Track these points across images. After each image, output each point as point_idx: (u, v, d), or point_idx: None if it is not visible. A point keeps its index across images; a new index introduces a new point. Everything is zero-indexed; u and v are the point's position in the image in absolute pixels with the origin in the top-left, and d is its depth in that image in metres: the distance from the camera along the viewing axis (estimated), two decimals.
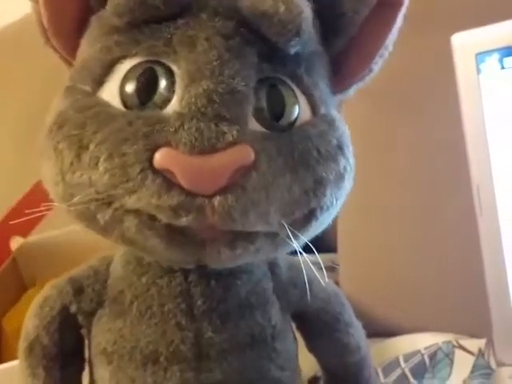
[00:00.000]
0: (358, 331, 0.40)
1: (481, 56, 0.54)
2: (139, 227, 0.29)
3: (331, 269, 0.80)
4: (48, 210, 0.32)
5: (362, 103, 0.74)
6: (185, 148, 0.27)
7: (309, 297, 0.36)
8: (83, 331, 0.37)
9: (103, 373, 0.35)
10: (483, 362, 0.59)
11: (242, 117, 0.29)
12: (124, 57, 0.31)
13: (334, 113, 0.34)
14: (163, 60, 0.30)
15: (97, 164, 0.29)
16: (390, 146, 0.72)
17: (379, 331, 0.67)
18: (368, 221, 0.75)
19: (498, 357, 0.57)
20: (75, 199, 0.29)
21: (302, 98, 0.32)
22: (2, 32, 1.16)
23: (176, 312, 0.34)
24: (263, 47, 0.30)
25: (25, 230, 0.77)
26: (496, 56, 0.53)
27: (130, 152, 0.28)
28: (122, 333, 0.34)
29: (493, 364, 0.58)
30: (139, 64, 0.30)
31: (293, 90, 0.31)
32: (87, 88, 0.31)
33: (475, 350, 0.60)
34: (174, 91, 0.29)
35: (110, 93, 0.30)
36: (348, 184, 0.33)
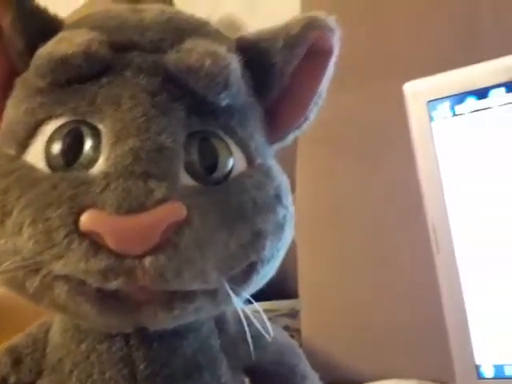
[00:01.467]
0: (314, 383, 0.39)
1: (433, 103, 0.55)
2: (69, 293, 0.28)
3: (293, 315, 0.80)
4: None
5: (319, 151, 0.75)
6: (111, 209, 0.26)
7: (253, 353, 0.34)
8: None
9: None
10: None
11: (171, 173, 0.28)
12: (49, 118, 0.30)
13: (272, 162, 0.33)
14: (89, 119, 0.29)
15: (21, 230, 0.28)
16: (349, 192, 0.72)
17: (342, 379, 0.67)
18: (329, 266, 0.75)
19: None
20: (1, 267, 0.28)
21: (236, 150, 0.31)
22: None
23: (117, 379, 0.32)
24: (192, 101, 0.30)
25: None
26: (447, 103, 0.54)
27: (55, 216, 0.27)
28: None
29: None
30: (64, 124, 0.29)
31: (226, 142, 0.31)
32: (11, 151, 0.30)
33: None
34: (100, 151, 0.29)
35: (34, 155, 0.30)
36: (289, 233, 0.32)
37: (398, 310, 0.68)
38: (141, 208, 0.27)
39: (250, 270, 0.30)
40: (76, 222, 0.27)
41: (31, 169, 0.29)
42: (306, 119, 0.35)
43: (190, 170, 0.29)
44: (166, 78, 0.30)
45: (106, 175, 0.27)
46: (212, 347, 0.34)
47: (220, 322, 0.35)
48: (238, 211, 0.29)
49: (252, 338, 0.33)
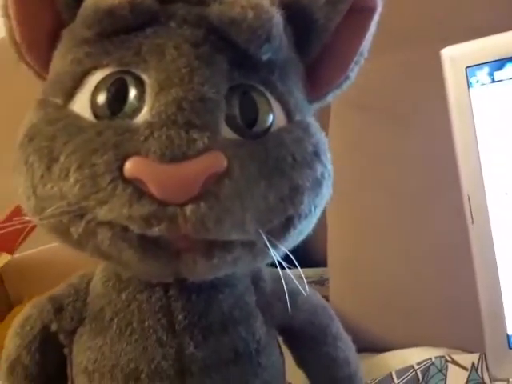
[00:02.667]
0: (346, 345, 0.40)
1: (471, 70, 0.54)
2: (113, 239, 0.29)
3: (321, 283, 0.80)
4: (26, 224, 0.32)
5: (353, 117, 0.74)
6: (155, 156, 0.27)
7: (289, 309, 0.35)
8: (65, 350, 0.36)
9: None
10: (477, 377, 0.58)
11: (212, 124, 0.29)
12: (95, 68, 0.30)
13: (310, 120, 0.33)
14: (133, 70, 0.30)
15: (67, 175, 0.28)
16: (381, 159, 0.71)
17: (370, 347, 0.67)
18: (358, 234, 0.75)
19: (491, 372, 0.56)
20: (47, 212, 0.29)
21: (276, 105, 0.32)
22: None
23: (156, 328, 0.33)
24: (234, 54, 0.30)
25: (11, 246, 0.76)
26: (486, 69, 0.53)
27: (100, 162, 0.28)
28: (103, 350, 0.34)
29: (486, 379, 0.57)
30: (110, 75, 0.30)
31: (266, 97, 0.31)
32: (58, 101, 0.31)
33: (468, 365, 0.60)
34: (144, 101, 0.29)
35: (80, 105, 0.30)
36: (326, 191, 0.33)
37: (428, 278, 0.67)
38: (183, 157, 0.27)
39: (288, 223, 0.31)
40: (120, 168, 0.28)
41: (77, 117, 0.30)
42: (346, 78, 0.35)
43: (230, 122, 0.30)
44: (209, 29, 0.30)
45: (149, 124, 0.28)
46: (247, 303, 0.35)
47: (256, 280, 0.36)
48: (277, 165, 0.30)
49: (288, 296, 0.34)
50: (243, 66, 0.31)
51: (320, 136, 0.33)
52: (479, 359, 0.59)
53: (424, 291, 0.67)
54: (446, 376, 0.60)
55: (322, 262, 0.79)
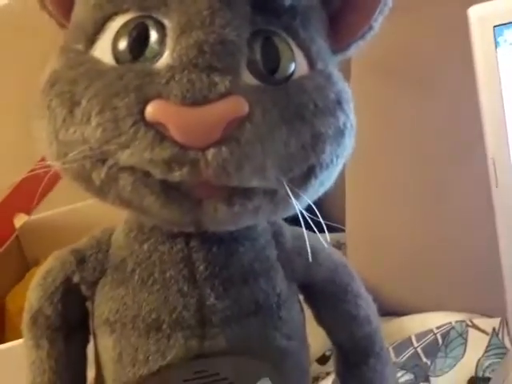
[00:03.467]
0: (367, 303, 0.39)
1: (499, 29, 0.52)
2: (134, 185, 0.29)
3: (338, 248, 0.79)
4: (45, 168, 0.32)
5: (373, 80, 0.72)
6: (176, 99, 0.27)
7: (312, 263, 0.35)
8: (87, 303, 0.37)
9: (106, 342, 0.35)
10: (497, 342, 0.58)
11: (234, 67, 0.28)
12: (115, 13, 0.30)
13: (333, 70, 0.33)
14: (154, 14, 0.29)
15: (89, 119, 0.28)
16: (402, 123, 0.70)
17: (389, 310, 0.67)
18: (377, 198, 0.74)
19: None
20: (69, 156, 0.29)
21: (298, 52, 0.31)
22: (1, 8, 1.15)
23: (178, 278, 0.33)
24: None
25: (28, 207, 0.76)
26: None
27: (122, 105, 0.28)
28: (125, 301, 0.34)
29: (507, 343, 0.57)
30: (131, 20, 0.30)
31: (288, 44, 0.31)
32: (80, 47, 0.31)
33: (489, 330, 0.59)
34: (165, 45, 0.29)
35: (102, 50, 0.30)
36: (349, 142, 0.32)
37: (449, 242, 0.66)
38: (204, 100, 0.27)
39: (309, 173, 0.30)
40: (142, 111, 0.27)
41: (98, 62, 0.30)
42: (370, 28, 0.34)
43: (252, 68, 0.29)
44: None
45: (170, 68, 0.28)
46: (268, 257, 0.35)
47: (277, 236, 0.36)
48: (299, 111, 0.29)
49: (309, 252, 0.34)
50: (265, 10, 0.30)
51: (343, 85, 0.33)
52: (500, 324, 0.59)
53: (445, 255, 0.66)
54: (466, 340, 0.60)
55: (338, 229, 0.78)
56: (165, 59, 0.28)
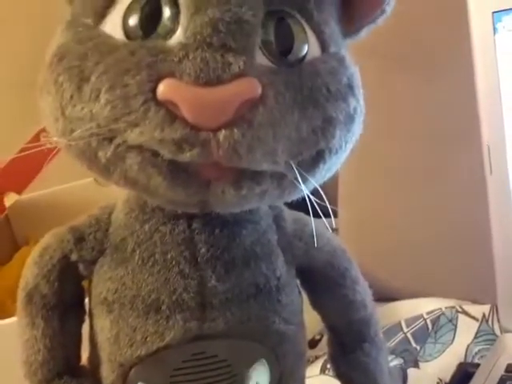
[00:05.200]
0: (364, 289, 0.39)
1: (498, 15, 0.52)
2: (142, 164, 0.28)
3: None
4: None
5: (368, 62, 0.72)
6: (189, 79, 0.26)
7: (313, 248, 0.35)
8: (84, 282, 0.36)
9: (103, 323, 0.34)
10: (487, 328, 0.58)
11: (248, 48, 0.28)
12: None
13: (345, 53, 0.32)
14: None
15: (98, 96, 0.28)
16: (397, 109, 0.70)
17: (380, 296, 0.66)
18: (370, 183, 0.74)
19: (502, 323, 0.56)
20: (75, 133, 0.28)
21: (311, 35, 0.30)
22: None
23: (179, 260, 0.33)
24: None
25: (19, 186, 0.75)
26: None
27: (133, 83, 0.27)
28: (124, 281, 0.33)
29: (497, 330, 0.58)
30: None
31: (302, 26, 0.30)
32: (89, 21, 0.30)
33: (479, 316, 0.60)
34: (178, 22, 0.28)
35: (112, 25, 0.29)
36: (357, 128, 0.32)
37: (440, 229, 0.66)
38: (218, 81, 0.26)
39: (318, 157, 0.30)
40: (153, 90, 0.27)
41: (109, 37, 0.29)
42: (382, 12, 0.33)
43: (265, 49, 0.29)
44: None
45: (184, 46, 0.27)
46: (269, 241, 0.35)
47: (278, 220, 0.36)
48: (311, 95, 0.29)
49: (308, 237, 0.34)
50: None
51: (354, 69, 0.32)
52: (490, 310, 0.59)
53: (436, 241, 0.67)
54: (456, 326, 0.60)
55: (329, 214, 0.78)
56: (178, 37, 0.28)
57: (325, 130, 0.29)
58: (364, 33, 0.34)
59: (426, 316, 0.62)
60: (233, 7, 0.27)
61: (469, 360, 0.56)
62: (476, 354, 0.57)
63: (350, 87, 0.31)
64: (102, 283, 0.34)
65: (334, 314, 0.39)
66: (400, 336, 0.61)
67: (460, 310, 0.61)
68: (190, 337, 0.33)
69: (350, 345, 0.40)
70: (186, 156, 0.27)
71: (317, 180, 0.31)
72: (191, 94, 0.26)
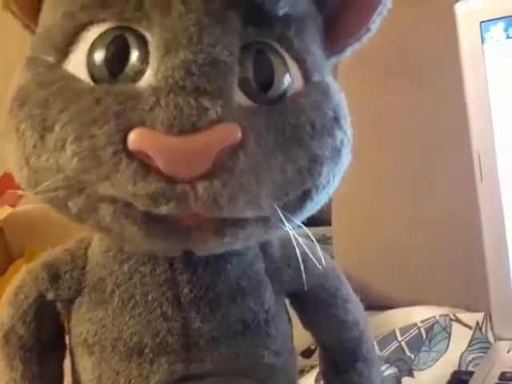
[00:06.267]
0: (356, 307, 0.38)
1: (486, 25, 0.52)
2: (115, 216, 0.26)
3: (324, 241, 0.79)
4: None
5: (358, 72, 0.72)
6: (162, 127, 0.24)
7: (304, 275, 0.33)
8: (62, 318, 0.34)
9: (85, 364, 0.33)
10: (481, 336, 0.58)
11: (225, 90, 0.26)
12: (90, 23, 0.27)
13: (329, 79, 0.31)
14: (135, 27, 0.27)
15: (64, 146, 0.26)
16: (388, 115, 0.71)
17: (374, 305, 0.67)
18: (363, 192, 0.74)
19: (496, 331, 0.56)
20: (42, 186, 0.27)
21: (292, 65, 0.29)
22: None
23: (161, 301, 0.31)
24: (248, 8, 0.27)
25: (13, 198, 0.75)
26: (501, 25, 0.52)
27: (101, 133, 0.25)
28: (104, 323, 0.32)
29: (490, 338, 0.58)
30: (108, 31, 0.27)
31: (282, 57, 0.28)
32: (51, 59, 0.28)
33: (473, 324, 0.60)
34: (147, 62, 0.26)
35: (76, 64, 0.27)
36: (345, 159, 0.30)
37: (433, 237, 0.67)
38: (193, 128, 0.24)
39: (304, 197, 0.29)
40: (124, 140, 0.25)
41: (73, 79, 0.27)
42: (367, 30, 0.32)
43: (244, 86, 0.27)
44: None
45: (155, 90, 0.25)
46: (256, 272, 0.33)
47: (265, 247, 0.34)
48: (295, 134, 0.27)
49: (298, 262, 0.32)
50: (257, 21, 0.27)
51: (339, 98, 0.30)
52: (484, 318, 0.59)
53: (429, 250, 0.67)
54: (450, 334, 0.60)
55: (324, 221, 0.78)
56: (147, 78, 0.26)
57: (311, 169, 0.28)
58: (348, 52, 0.33)
59: (420, 324, 0.62)
60: (205, 47, 0.26)
61: (463, 368, 0.56)
62: (470, 362, 0.57)
63: (336, 120, 0.29)
64: (82, 324, 0.32)
65: (326, 333, 0.38)
66: (394, 345, 0.61)
67: (454, 318, 0.61)
68: (177, 377, 0.31)
69: (342, 365, 0.38)
70: (163, 209, 0.25)
71: (303, 217, 0.30)
72: (165, 143, 0.24)
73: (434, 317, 0.62)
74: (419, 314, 0.63)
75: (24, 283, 0.33)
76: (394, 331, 0.62)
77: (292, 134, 0.27)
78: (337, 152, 0.29)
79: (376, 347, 0.60)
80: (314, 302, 0.36)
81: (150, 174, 0.25)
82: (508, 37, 0.52)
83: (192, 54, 0.25)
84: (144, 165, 0.25)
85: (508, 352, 0.53)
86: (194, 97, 0.25)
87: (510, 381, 0.48)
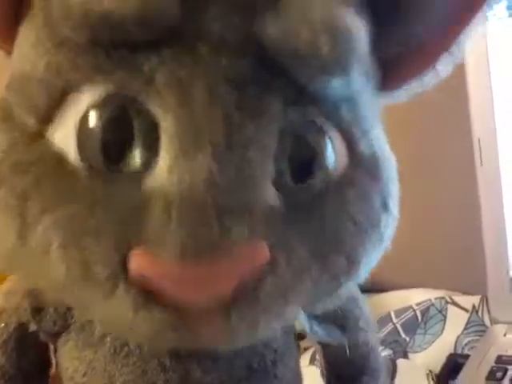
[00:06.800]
0: (367, 323, 0.34)
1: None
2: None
3: None
4: None
5: None
6: (172, 253, 0.20)
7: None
8: (46, 347, 0.31)
9: None
10: (477, 319, 0.58)
11: (254, 202, 0.21)
12: (82, 82, 0.21)
13: (378, 138, 0.25)
14: (140, 98, 0.21)
15: (47, 251, 0.21)
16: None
17: (370, 287, 0.66)
18: None
19: (492, 314, 0.56)
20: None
21: (336, 136, 0.23)
22: None
23: (158, 352, 0.27)
24: (290, 91, 0.22)
25: None
26: (504, 3, 0.51)
27: (95, 250, 0.20)
28: (94, 365, 0.28)
29: (487, 321, 0.57)
30: (106, 99, 0.21)
31: (327, 135, 0.23)
32: (31, 122, 0.22)
33: (469, 307, 0.59)
34: (157, 153, 0.21)
35: (63, 137, 0.21)
36: (386, 241, 0.26)
37: (431, 220, 0.66)
38: (212, 250, 0.20)
39: (335, 297, 0.25)
40: (123, 262, 0.20)
41: (58, 161, 0.21)
42: (432, 70, 0.26)
43: (277, 181, 0.22)
44: (258, 58, 0.21)
45: (167, 203, 0.20)
46: None
47: None
48: (335, 237, 0.23)
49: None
50: (299, 102, 0.22)
51: (390, 168, 0.26)
52: (480, 301, 0.59)
53: (426, 232, 0.66)
54: (445, 317, 0.60)
55: None
56: (157, 178, 0.20)
57: (349, 271, 0.24)
58: (404, 93, 0.28)
59: (415, 307, 0.61)
60: (235, 149, 0.20)
61: (458, 351, 0.56)
62: (466, 344, 0.56)
63: (385, 206, 0.25)
64: (69, 360, 0.29)
65: (333, 353, 0.35)
66: (389, 327, 0.61)
67: (450, 300, 0.61)
68: None
69: (348, 378, 0.35)
70: (165, 341, 0.22)
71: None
72: (175, 272, 0.20)
73: (430, 299, 0.61)
74: (415, 297, 0.63)
75: (3, 310, 0.30)
76: (389, 314, 0.62)
77: (331, 237, 0.23)
78: (379, 238, 0.25)
79: None
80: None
81: (152, 303, 0.21)
82: (511, 15, 0.51)
83: (216, 162, 0.20)
84: (146, 292, 0.21)
85: (504, 335, 0.53)
86: (215, 215, 0.20)
87: (507, 364, 0.48)
